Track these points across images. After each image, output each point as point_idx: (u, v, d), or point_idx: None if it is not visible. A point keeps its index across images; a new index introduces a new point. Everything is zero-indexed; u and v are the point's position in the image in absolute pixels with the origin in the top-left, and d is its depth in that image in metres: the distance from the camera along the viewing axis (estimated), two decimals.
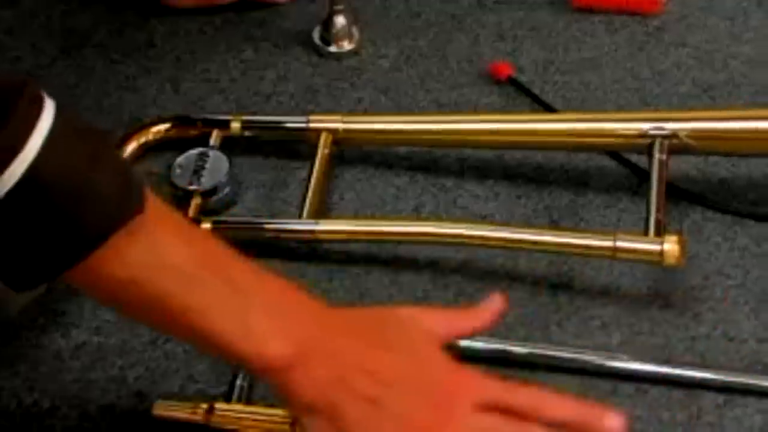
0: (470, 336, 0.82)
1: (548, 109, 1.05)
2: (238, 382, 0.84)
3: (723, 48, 1.11)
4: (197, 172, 0.98)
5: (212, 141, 1.01)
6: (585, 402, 0.76)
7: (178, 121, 1.04)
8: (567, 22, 1.14)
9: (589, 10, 1.15)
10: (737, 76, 1.08)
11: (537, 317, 0.91)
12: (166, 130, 1.03)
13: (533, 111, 1.06)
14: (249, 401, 0.84)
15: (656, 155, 0.93)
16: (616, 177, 1.01)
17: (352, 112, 1.06)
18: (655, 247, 0.87)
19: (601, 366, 0.87)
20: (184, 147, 1.01)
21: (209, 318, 0.70)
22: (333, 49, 1.12)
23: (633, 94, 1.07)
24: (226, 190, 0.99)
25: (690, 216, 0.97)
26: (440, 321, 0.78)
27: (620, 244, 0.88)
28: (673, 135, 0.93)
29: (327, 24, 1.12)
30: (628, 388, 0.86)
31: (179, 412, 0.83)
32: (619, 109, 1.06)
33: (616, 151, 1.00)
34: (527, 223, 0.97)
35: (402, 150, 1.03)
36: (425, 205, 1.00)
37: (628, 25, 1.13)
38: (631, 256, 0.88)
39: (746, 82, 1.08)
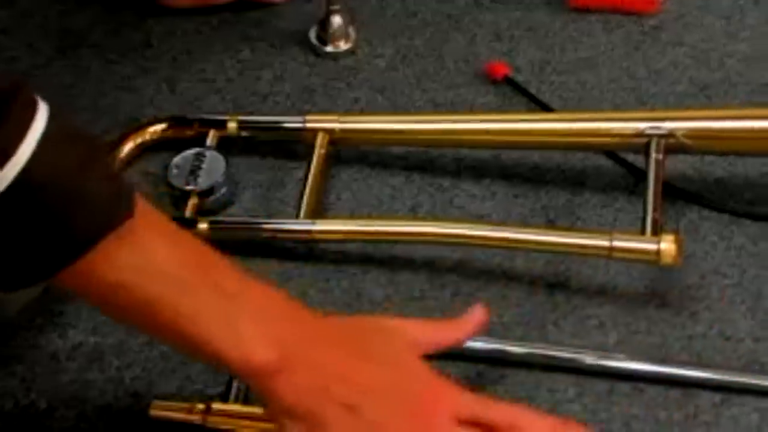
0: (453, 346, 0.83)
1: (545, 108, 1.05)
2: (235, 382, 0.84)
3: (719, 47, 1.11)
4: (194, 172, 0.98)
5: (209, 141, 1.01)
6: (560, 419, 0.79)
7: (175, 121, 1.04)
8: (563, 22, 1.14)
9: (586, 10, 1.15)
10: (734, 75, 1.08)
11: (534, 317, 0.91)
12: (163, 131, 1.03)
13: (530, 111, 1.06)
14: (246, 401, 0.84)
15: (653, 154, 0.93)
16: (613, 176, 1.01)
17: (348, 111, 1.06)
18: (652, 247, 0.87)
19: (598, 365, 0.87)
20: (181, 147, 1.01)
21: (197, 323, 0.71)
22: (329, 48, 1.12)
23: (630, 93, 1.07)
24: (223, 190, 0.99)
25: (687, 215, 0.97)
26: (424, 332, 0.80)
27: (617, 243, 0.88)
28: (670, 134, 0.93)
29: (323, 24, 1.12)
30: (625, 387, 0.86)
31: (176, 412, 0.83)
32: (616, 108, 1.06)
33: (613, 150, 1.00)
34: (524, 223, 0.97)
35: (399, 150, 1.03)
36: (422, 204, 1.00)
37: (625, 25, 1.13)
38: (627, 255, 0.88)
39: (743, 81, 1.08)
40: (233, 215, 0.99)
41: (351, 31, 1.13)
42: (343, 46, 1.12)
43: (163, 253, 0.71)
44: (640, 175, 0.96)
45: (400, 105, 1.07)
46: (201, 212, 0.97)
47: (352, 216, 0.99)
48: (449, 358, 0.85)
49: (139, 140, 1.03)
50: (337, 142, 1.01)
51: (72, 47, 1.13)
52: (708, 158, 1.01)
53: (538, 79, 1.09)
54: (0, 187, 0.64)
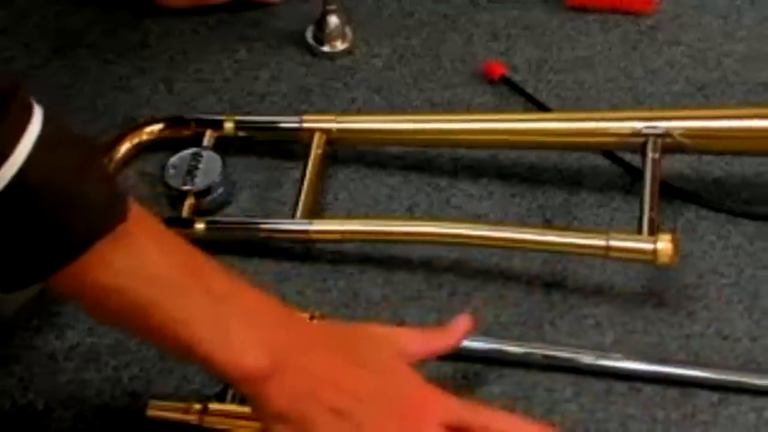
0: (441, 354, 0.83)
1: (542, 108, 1.05)
2: None
3: (716, 46, 1.11)
4: (191, 172, 0.98)
5: (206, 141, 1.01)
6: (549, 426, 0.80)
7: (172, 121, 1.04)
8: (560, 21, 1.14)
9: (583, 9, 1.15)
10: (730, 74, 1.08)
11: (531, 316, 0.91)
12: (160, 131, 1.03)
13: (527, 110, 1.06)
14: (243, 401, 0.84)
15: (650, 154, 0.93)
16: (610, 176, 1.01)
17: (345, 111, 1.06)
18: (649, 246, 0.87)
19: (595, 365, 0.87)
20: (178, 147, 1.00)
21: (189, 327, 0.71)
22: (326, 48, 1.12)
23: (626, 92, 1.07)
24: (220, 190, 0.99)
25: (684, 215, 0.97)
26: (414, 340, 0.81)
27: (613, 243, 0.88)
28: (667, 134, 0.93)
29: (320, 24, 1.12)
30: (621, 386, 0.86)
31: (173, 412, 0.83)
32: (613, 108, 1.06)
33: (610, 150, 1.00)
34: (521, 223, 0.97)
35: (396, 150, 1.03)
36: (419, 204, 1.00)
37: (622, 24, 1.14)
38: (624, 255, 0.88)
39: (739, 80, 1.08)
40: (230, 215, 0.99)
41: (348, 31, 1.13)
42: (340, 46, 1.12)
43: (155, 257, 0.71)
44: (637, 175, 0.96)
45: (397, 105, 1.07)
46: (198, 212, 0.97)
47: (349, 216, 0.99)
48: (447, 358, 0.85)
49: (136, 140, 1.03)
50: (334, 142, 1.01)
51: (69, 47, 1.13)
52: (705, 158, 1.01)
53: (535, 79, 1.09)
54: None
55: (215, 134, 1.02)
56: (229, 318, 0.72)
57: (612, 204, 0.98)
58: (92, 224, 0.68)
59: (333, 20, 1.12)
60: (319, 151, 0.99)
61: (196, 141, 1.01)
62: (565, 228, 0.96)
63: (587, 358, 0.87)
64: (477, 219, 0.98)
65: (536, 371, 0.87)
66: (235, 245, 0.95)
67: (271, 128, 1.02)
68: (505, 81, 1.08)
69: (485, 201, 0.99)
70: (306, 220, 0.94)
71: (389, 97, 1.08)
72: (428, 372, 0.80)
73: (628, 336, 0.89)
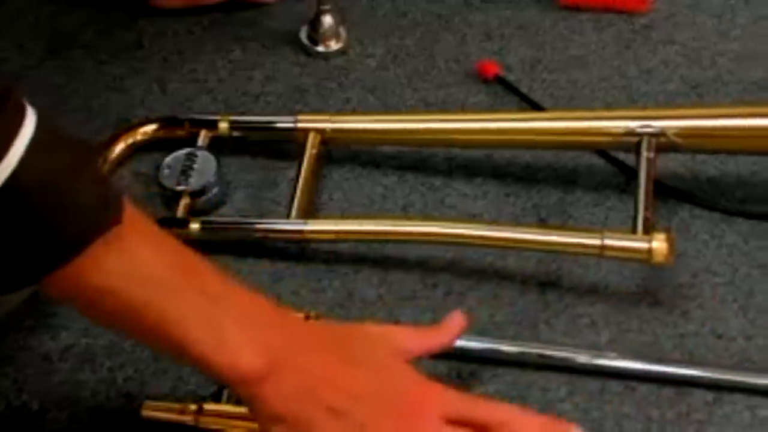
0: (437, 352, 0.83)
1: (536, 107, 1.05)
2: None
3: (710, 45, 1.11)
4: (185, 172, 0.98)
5: (200, 141, 1.01)
6: (549, 417, 0.80)
7: (166, 121, 1.03)
8: (554, 21, 1.14)
9: (576, 9, 1.15)
10: (725, 73, 1.08)
11: (526, 316, 0.91)
12: (154, 131, 1.03)
13: (521, 110, 1.06)
14: (238, 402, 0.83)
15: (644, 153, 0.93)
16: (604, 175, 1.01)
17: (340, 111, 1.06)
18: (643, 245, 0.87)
19: (590, 364, 0.87)
20: (172, 147, 1.00)
21: (183, 328, 0.71)
22: (320, 48, 1.12)
23: (621, 92, 1.07)
24: (215, 190, 0.99)
25: (678, 214, 0.97)
26: (409, 338, 0.81)
27: (608, 242, 0.88)
28: (661, 133, 0.94)
29: (314, 24, 1.12)
30: (616, 386, 0.86)
31: (168, 413, 0.83)
32: (607, 107, 1.06)
33: (604, 149, 1.00)
34: (516, 222, 0.97)
35: (390, 149, 1.03)
36: (414, 204, 1.00)
37: (615, 23, 1.14)
38: (619, 254, 0.88)
39: (734, 79, 1.08)
40: (225, 215, 0.99)
41: (342, 30, 1.13)
42: (334, 45, 1.12)
43: (149, 258, 0.71)
44: (632, 174, 0.96)
45: (391, 105, 1.07)
46: (192, 212, 0.97)
47: (343, 216, 0.99)
48: (441, 357, 0.85)
49: (130, 141, 1.03)
50: (329, 141, 1.01)
51: (63, 48, 1.13)
52: (699, 157, 1.01)
53: (529, 78, 1.09)
54: None
55: (210, 134, 1.02)
56: (224, 319, 0.72)
57: (606, 203, 0.99)
58: (85, 227, 0.68)
59: (327, 20, 1.12)
60: (314, 151, 0.99)
61: (191, 141, 1.01)
62: (560, 227, 0.96)
63: (582, 358, 0.87)
64: (472, 218, 0.98)
65: (531, 370, 0.87)
66: (229, 245, 0.95)
67: (266, 128, 1.02)
68: (499, 80, 1.08)
69: (480, 200, 0.99)
70: (301, 220, 0.94)
71: (383, 96, 1.08)
72: (423, 371, 0.80)
73: (623, 335, 0.89)
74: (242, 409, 0.82)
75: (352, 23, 1.14)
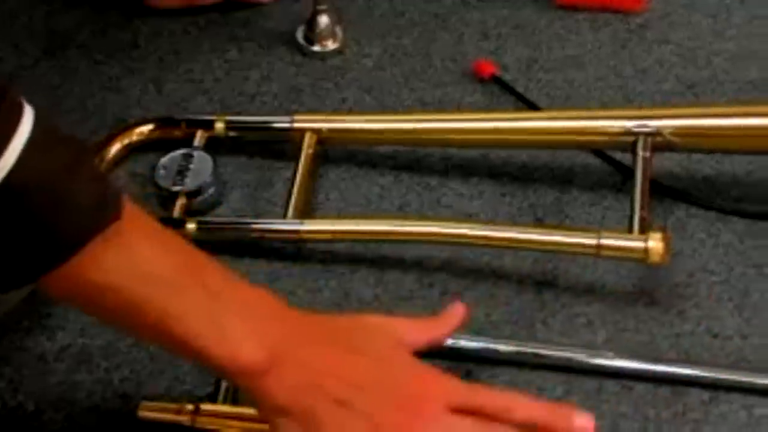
0: (437, 343, 0.83)
1: (532, 107, 1.05)
2: (224, 383, 0.84)
3: (706, 45, 1.11)
4: (182, 172, 0.98)
5: (196, 141, 1.01)
6: (554, 402, 0.80)
7: (162, 121, 1.03)
8: (550, 20, 1.14)
9: (573, 8, 1.15)
10: (720, 73, 1.09)
11: (522, 315, 0.91)
12: (150, 131, 1.03)
13: (517, 109, 1.06)
14: (235, 402, 0.84)
15: (640, 152, 0.93)
16: (601, 174, 1.01)
17: (336, 111, 1.06)
18: (640, 245, 0.87)
19: (587, 363, 0.87)
20: (169, 148, 1.00)
21: (185, 323, 0.71)
22: (317, 48, 1.12)
23: (617, 91, 1.08)
24: (211, 190, 0.99)
25: (674, 213, 0.97)
26: (410, 328, 0.80)
27: (605, 241, 0.88)
28: (657, 132, 0.94)
29: (311, 23, 1.12)
30: (613, 385, 0.86)
31: (165, 413, 0.83)
32: (603, 106, 1.06)
33: (601, 148, 1.00)
34: (512, 222, 0.97)
35: (386, 149, 1.03)
36: (410, 204, 1.00)
37: (611, 23, 1.14)
38: (615, 253, 0.88)
39: (729, 78, 1.08)
40: (221, 215, 0.99)
41: (338, 30, 1.13)
42: (331, 45, 1.12)
43: (149, 254, 0.71)
44: (628, 173, 0.96)
45: (387, 104, 1.07)
46: (189, 213, 0.97)
47: (340, 216, 0.99)
48: (438, 356, 0.85)
49: (126, 141, 1.02)
50: (325, 141, 1.01)
51: (59, 48, 1.13)
52: (695, 156, 1.01)
53: (526, 78, 1.09)
54: None
55: (206, 134, 1.02)
56: (225, 312, 0.72)
57: (603, 203, 0.99)
58: (83, 225, 0.68)
59: (323, 20, 1.12)
60: (310, 151, 0.99)
61: (187, 141, 1.01)
62: (557, 227, 0.96)
63: (579, 357, 0.87)
64: (468, 218, 0.98)
65: (528, 370, 0.87)
66: (226, 245, 0.95)
67: (262, 128, 1.02)
68: (496, 80, 1.08)
69: (476, 200, 0.99)
70: (297, 220, 0.94)
71: (380, 96, 1.08)
72: None
73: (619, 334, 0.89)
74: (238, 410, 0.82)
75: (348, 23, 1.14)
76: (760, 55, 1.10)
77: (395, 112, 1.06)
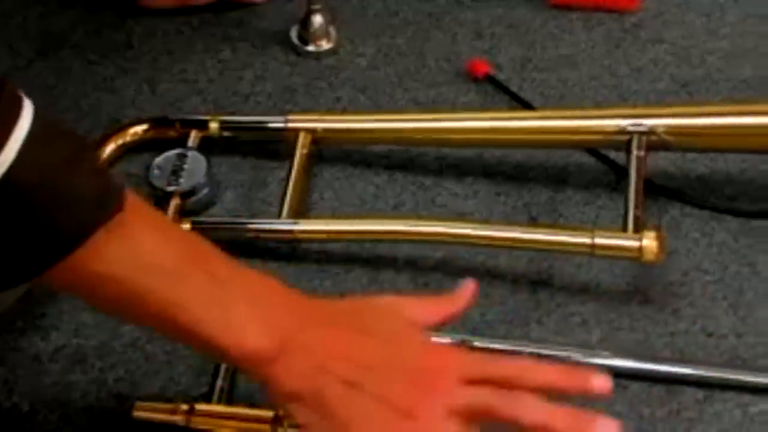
0: (448, 322, 0.82)
1: (526, 106, 1.05)
2: (219, 382, 0.84)
3: (700, 44, 1.11)
4: (176, 173, 0.98)
5: (190, 142, 1.01)
6: (569, 366, 0.78)
7: (156, 122, 1.03)
8: (544, 20, 1.14)
9: (566, 8, 1.15)
10: (714, 71, 1.09)
11: (517, 315, 0.91)
12: (144, 132, 1.03)
13: (511, 108, 1.06)
14: (229, 402, 0.84)
15: (634, 152, 0.93)
16: (595, 174, 1.01)
17: (330, 111, 1.06)
18: (634, 244, 0.87)
19: (582, 362, 0.87)
20: (163, 148, 1.00)
21: (190, 311, 0.71)
22: (311, 48, 1.12)
23: (611, 90, 1.08)
24: (205, 190, 0.99)
25: (668, 212, 0.97)
26: (419, 307, 0.79)
27: (599, 240, 0.88)
28: (651, 131, 0.94)
29: (304, 23, 1.12)
30: None
31: (160, 413, 0.83)
32: (597, 105, 1.06)
33: (595, 147, 1.00)
34: (507, 221, 0.97)
35: (381, 149, 1.03)
36: (404, 203, 1.00)
37: (605, 22, 1.14)
38: (610, 252, 0.88)
39: (723, 77, 1.08)
40: (215, 215, 0.99)
41: (332, 30, 1.13)
42: (325, 45, 1.12)
43: (152, 244, 0.71)
44: (622, 173, 0.96)
45: (381, 104, 1.07)
46: (183, 213, 0.97)
47: (334, 215, 0.99)
48: None
49: (120, 141, 1.02)
50: (319, 141, 1.01)
51: (53, 48, 1.13)
52: (689, 155, 1.01)
53: (520, 77, 1.09)
54: None
55: (200, 135, 1.02)
56: (230, 300, 0.72)
57: (597, 202, 0.99)
58: (85, 219, 0.67)
59: (317, 19, 1.11)
60: (305, 151, 0.99)
61: (181, 142, 1.01)
62: (551, 226, 0.96)
63: (573, 356, 0.87)
64: (463, 217, 0.98)
65: None
66: (220, 246, 0.95)
67: (256, 128, 1.02)
68: (490, 79, 1.08)
69: (471, 199, 0.99)
70: (292, 220, 0.94)
71: (374, 96, 1.08)
72: None
73: (614, 333, 0.89)
74: (233, 410, 0.82)
75: (342, 22, 1.14)
76: (754, 53, 1.10)
77: (389, 111, 1.06)
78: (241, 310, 0.72)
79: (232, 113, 1.04)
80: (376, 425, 0.72)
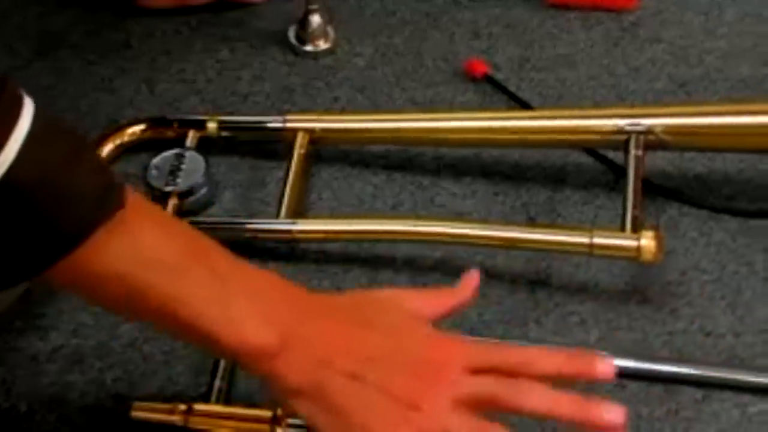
0: (451, 314, 0.82)
1: (524, 106, 1.05)
2: (217, 382, 0.84)
3: (698, 43, 1.11)
4: (174, 173, 0.98)
5: (188, 142, 1.01)
6: (574, 352, 0.78)
7: (154, 122, 1.03)
8: (542, 19, 1.14)
9: (564, 7, 1.15)
10: (712, 71, 1.09)
11: (515, 314, 0.91)
12: (142, 132, 1.03)
13: (509, 108, 1.06)
14: (228, 402, 0.84)
15: (632, 151, 0.93)
16: (593, 173, 1.01)
17: (328, 111, 1.06)
18: (632, 243, 0.87)
19: None
20: (161, 148, 1.00)
21: (190, 306, 0.71)
22: (309, 48, 1.12)
23: (609, 90, 1.08)
24: (203, 190, 0.99)
25: (666, 212, 0.97)
26: (422, 300, 0.79)
27: (597, 240, 0.88)
28: (649, 131, 0.94)
29: (302, 23, 1.12)
30: (606, 384, 0.86)
31: (158, 413, 0.83)
32: (595, 105, 1.06)
33: (593, 147, 1.00)
34: (505, 221, 0.97)
35: (379, 148, 1.03)
36: (403, 203, 1.00)
37: (603, 22, 1.14)
38: (608, 252, 0.88)
39: (721, 77, 1.08)
40: (213, 216, 0.99)
41: (330, 30, 1.13)
42: (323, 45, 1.12)
43: (153, 240, 0.71)
44: (620, 172, 0.96)
45: (379, 104, 1.07)
46: (181, 213, 0.97)
47: (333, 215, 0.99)
48: None
49: (118, 141, 1.02)
50: (318, 141, 1.01)
51: (51, 49, 1.13)
52: (687, 154, 1.01)
53: (518, 77, 1.09)
54: None
55: (198, 135, 1.02)
56: (231, 295, 0.72)
57: (595, 201, 0.99)
58: (86, 217, 0.67)
59: (315, 19, 1.12)
60: (303, 151, 0.99)
61: (179, 142, 1.01)
62: (549, 226, 0.96)
63: None
64: (460, 217, 0.98)
65: None
66: None
67: (254, 128, 1.02)
68: (488, 79, 1.08)
69: (469, 199, 0.99)
70: (290, 220, 0.94)
71: (372, 96, 1.08)
72: None
73: (612, 333, 0.90)
74: (231, 410, 0.82)
75: (340, 22, 1.14)
76: (751, 53, 1.10)
77: (387, 111, 1.06)
78: (241, 304, 0.72)
79: (230, 113, 1.04)
80: (379, 417, 0.72)
